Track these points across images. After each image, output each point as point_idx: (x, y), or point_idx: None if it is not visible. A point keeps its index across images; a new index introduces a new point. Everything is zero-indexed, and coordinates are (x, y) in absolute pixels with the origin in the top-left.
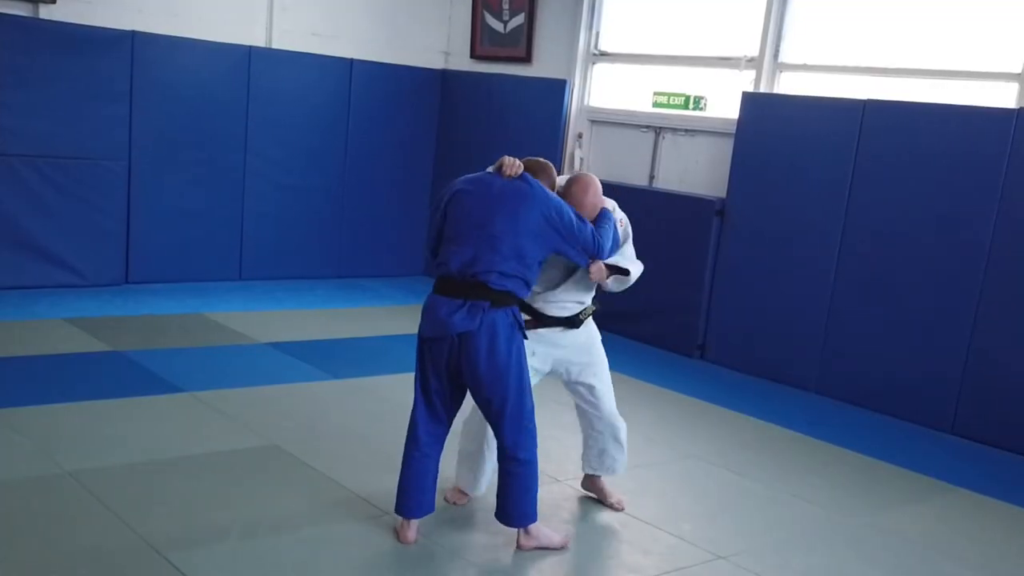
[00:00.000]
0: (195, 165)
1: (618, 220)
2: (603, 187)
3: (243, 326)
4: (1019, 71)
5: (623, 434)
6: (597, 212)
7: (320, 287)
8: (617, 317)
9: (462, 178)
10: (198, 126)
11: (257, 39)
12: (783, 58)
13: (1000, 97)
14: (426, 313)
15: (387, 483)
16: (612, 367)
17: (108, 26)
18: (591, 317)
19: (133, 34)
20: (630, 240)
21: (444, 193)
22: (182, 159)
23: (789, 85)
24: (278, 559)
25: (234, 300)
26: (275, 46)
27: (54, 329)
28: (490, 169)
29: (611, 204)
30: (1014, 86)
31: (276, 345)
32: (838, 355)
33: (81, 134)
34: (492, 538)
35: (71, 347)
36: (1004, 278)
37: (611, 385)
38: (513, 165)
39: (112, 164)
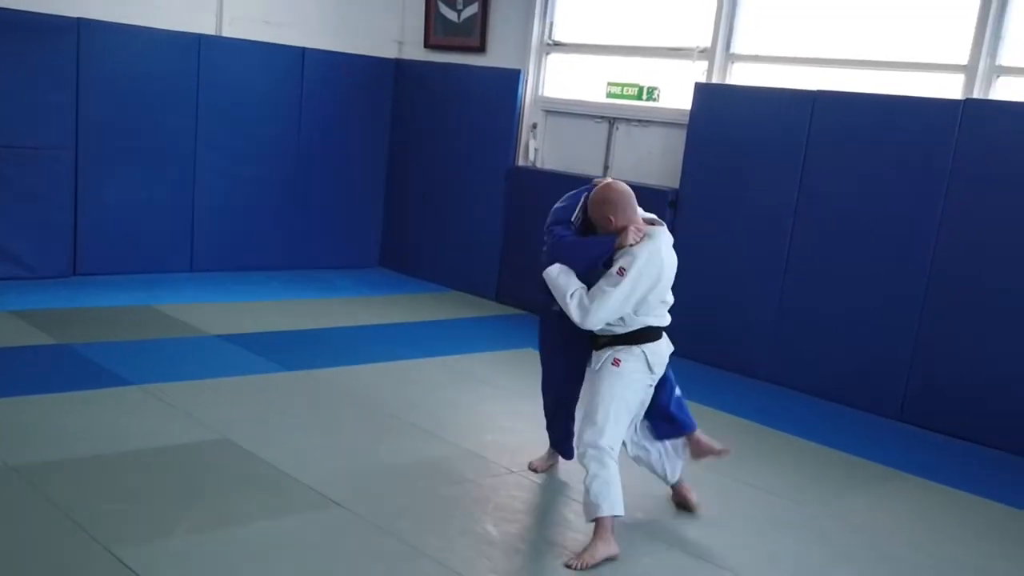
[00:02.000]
0: (144, 155)
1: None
2: (558, 177)
3: (194, 318)
4: (965, 63)
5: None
6: (622, 228)
7: (273, 279)
8: None
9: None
10: (147, 115)
11: (207, 27)
12: (735, 49)
13: (947, 88)
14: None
15: (338, 472)
16: None
17: (53, 12)
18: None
19: (79, 21)
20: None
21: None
22: (131, 148)
23: (741, 76)
24: (229, 554)
25: (185, 292)
26: (225, 34)
27: None
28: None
29: (644, 228)
30: (960, 77)
31: (227, 337)
32: (789, 343)
33: (26, 123)
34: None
35: (16, 340)
36: (951, 267)
37: (595, 417)
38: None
39: (59, 153)
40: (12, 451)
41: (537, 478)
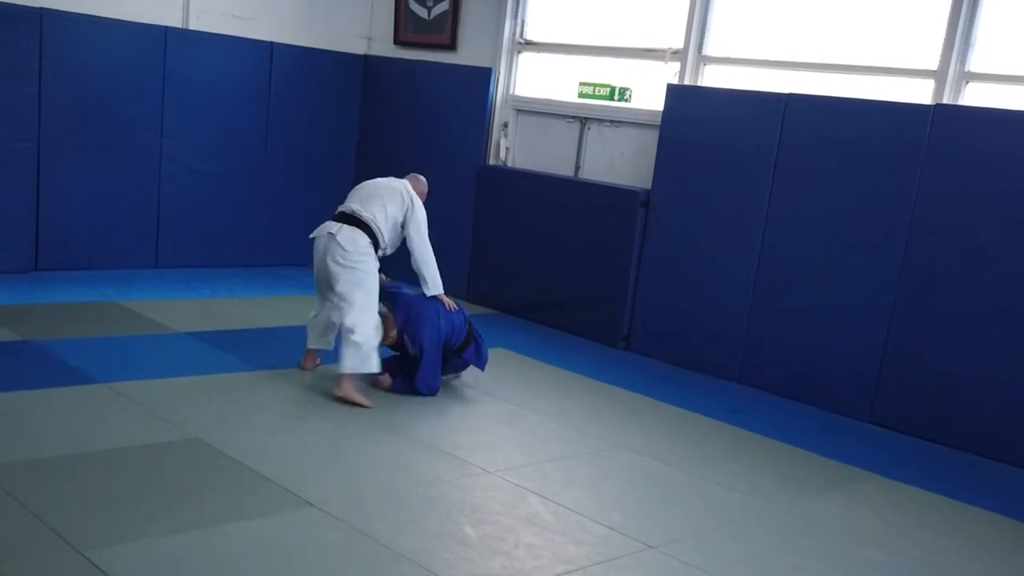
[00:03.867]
0: (108, 148)
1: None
2: (529, 176)
3: (160, 315)
4: (935, 68)
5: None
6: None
7: (239, 275)
8: (543, 308)
9: None
10: (112, 108)
11: (173, 20)
12: (707, 51)
13: (917, 93)
14: None
15: (310, 471)
16: (538, 357)
17: (15, 2)
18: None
19: (42, 11)
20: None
21: None
22: (95, 142)
23: (713, 78)
24: (202, 555)
25: (150, 288)
26: (192, 27)
27: None
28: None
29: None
30: (930, 83)
31: (195, 335)
32: (760, 345)
33: None
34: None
35: None
36: (920, 270)
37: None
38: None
39: (21, 146)
40: None
41: (513, 478)
